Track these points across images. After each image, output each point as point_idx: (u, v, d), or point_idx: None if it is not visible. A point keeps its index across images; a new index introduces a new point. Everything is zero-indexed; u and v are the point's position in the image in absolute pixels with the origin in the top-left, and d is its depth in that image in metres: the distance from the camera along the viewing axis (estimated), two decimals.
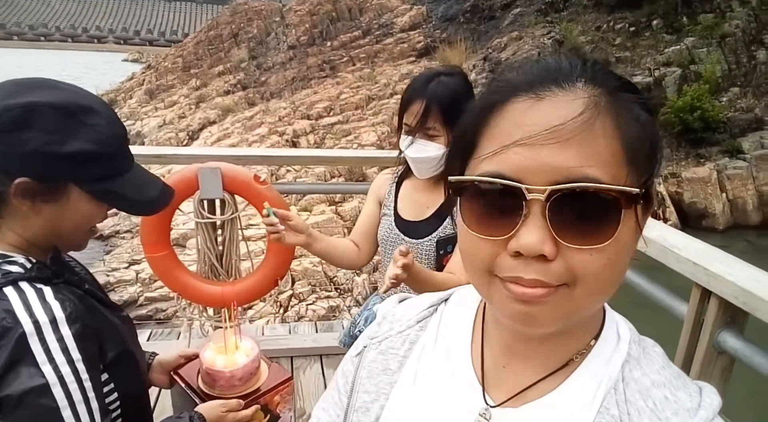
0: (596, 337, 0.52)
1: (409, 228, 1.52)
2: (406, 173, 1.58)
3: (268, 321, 4.13)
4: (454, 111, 1.34)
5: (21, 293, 0.77)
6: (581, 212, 0.42)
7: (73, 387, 0.77)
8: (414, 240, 1.50)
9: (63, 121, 0.79)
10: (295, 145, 10.07)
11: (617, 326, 0.54)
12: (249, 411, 1.07)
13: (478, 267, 0.46)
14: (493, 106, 0.46)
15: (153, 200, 0.90)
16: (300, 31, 14.65)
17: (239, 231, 2.62)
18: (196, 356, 1.19)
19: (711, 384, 1.48)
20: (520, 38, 11.11)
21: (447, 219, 1.46)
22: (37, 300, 0.77)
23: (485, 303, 0.57)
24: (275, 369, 1.18)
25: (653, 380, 0.50)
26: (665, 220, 11.83)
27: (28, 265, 0.83)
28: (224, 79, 14.44)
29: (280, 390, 1.15)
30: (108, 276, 7.66)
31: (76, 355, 0.78)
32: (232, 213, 2.52)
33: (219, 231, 2.59)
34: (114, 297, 7.81)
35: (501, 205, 0.44)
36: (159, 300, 7.51)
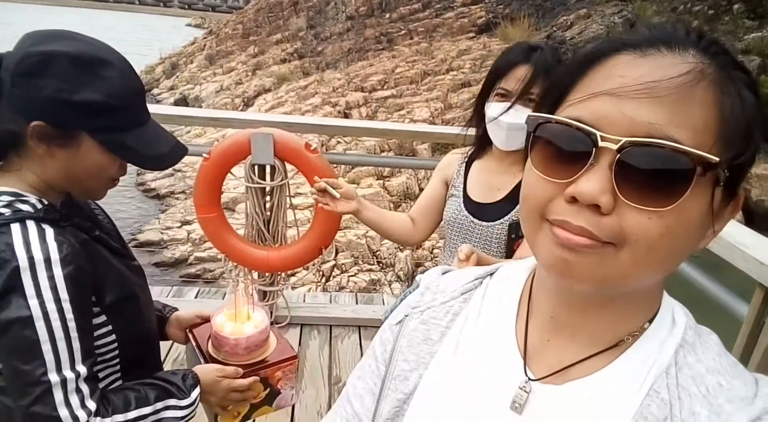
0: (650, 321, 0.50)
1: (480, 210, 1.48)
2: (477, 154, 1.53)
3: (309, 289, 4.20)
4: None
5: (24, 230, 0.82)
6: (651, 172, 0.40)
7: (56, 324, 0.81)
8: (484, 223, 1.46)
9: (77, 71, 0.82)
10: (347, 116, 10.07)
11: (673, 311, 0.51)
12: (245, 382, 1.07)
13: (532, 208, 0.45)
14: (594, 58, 0.45)
15: (162, 156, 0.92)
16: (359, 1, 14.50)
17: (287, 198, 2.65)
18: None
19: None
20: (588, 16, 10.60)
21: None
22: (37, 239, 0.82)
23: (533, 279, 0.55)
24: (282, 346, 1.17)
25: (708, 366, 0.48)
26: None
27: (39, 206, 0.87)
28: (281, 48, 14.54)
29: (282, 367, 1.14)
30: (162, 234, 8.00)
31: (63, 295, 0.82)
32: (282, 180, 2.55)
33: (268, 197, 2.63)
34: (166, 254, 8.13)
35: (571, 149, 0.43)
36: (207, 261, 7.80)
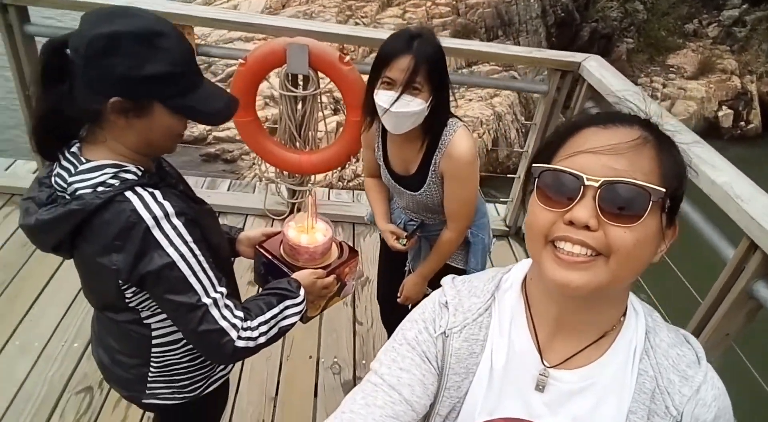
0: (623, 314, 0.70)
1: (404, 182, 1.63)
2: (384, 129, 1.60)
3: (331, 186, 4.40)
4: (438, 68, 1.41)
5: (139, 196, 0.97)
6: (620, 200, 0.58)
7: (192, 261, 1.00)
8: (409, 192, 1.63)
9: (140, 47, 0.91)
10: None
11: (632, 303, 0.71)
12: (330, 279, 1.31)
13: (539, 232, 0.62)
14: (573, 130, 0.65)
15: (219, 111, 1.03)
16: None
17: (319, 106, 2.76)
18: (276, 234, 1.40)
19: (735, 323, 1.65)
20: None
21: (430, 172, 1.55)
22: (152, 201, 0.97)
23: (526, 288, 0.74)
24: (345, 246, 1.41)
25: (667, 342, 0.69)
26: (747, 123, 11.11)
27: (139, 173, 1.01)
28: None
29: (349, 263, 1.38)
30: None
31: (188, 238, 1.00)
32: (315, 90, 2.64)
33: (300, 105, 2.74)
34: (185, 133, 8.27)
35: (565, 188, 0.60)
36: (225, 141, 7.96)
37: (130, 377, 1.21)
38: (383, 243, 1.83)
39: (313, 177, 3.16)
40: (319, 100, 2.73)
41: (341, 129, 2.80)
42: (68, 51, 0.92)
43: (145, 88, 0.94)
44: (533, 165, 0.65)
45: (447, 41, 2.63)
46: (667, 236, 0.63)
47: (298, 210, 3.14)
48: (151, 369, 1.19)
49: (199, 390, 1.27)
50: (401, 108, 1.41)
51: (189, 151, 7.43)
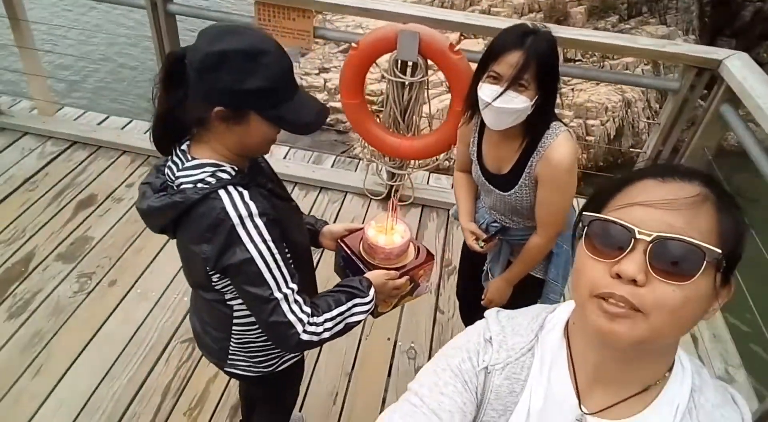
0: (670, 369, 0.67)
1: (495, 181, 1.59)
2: (483, 124, 1.55)
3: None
4: (548, 67, 1.37)
5: (229, 195, 1.06)
6: (673, 257, 0.56)
7: (269, 258, 1.09)
8: (500, 192, 1.58)
9: (244, 64, 1.00)
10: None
11: (680, 359, 0.69)
12: (402, 281, 1.35)
13: (584, 283, 0.61)
14: (629, 180, 0.63)
15: (310, 123, 1.10)
16: None
17: (426, 92, 2.75)
18: (357, 230, 1.46)
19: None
20: None
21: (524, 174, 1.50)
22: (240, 200, 1.06)
23: (568, 331, 0.72)
24: (422, 249, 1.43)
25: (712, 403, 0.66)
26: None
27: (233, 173, 1.11)
28: None
29: (425, 266, 1.41)
30: (301, 79, 8.42)
31: (267, 237, 1.08)
32: (422, 77, 2.63)
33: (407, 90, 2.74)
34: None
35: (615, 240, 0.59)
36: (341, 112, 8.24)
37: (215, 347, 1.35)
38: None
39: (414, 161, 3.18)
40: (426, 87, 2.72)
41: (445, 116, 2.77)
42: (186, 62, 1.03)
43: (244, 100, 1.03)
44: (583, 213, 0.63)
45: (563, 31, 2.47)
46: (721, 295, 0.61)
47: (396, 191, 3.19)
48: (232, 343, 1.31)
49: (272, 367, 1.39)
50: (504, 104, 1.38)
51: None
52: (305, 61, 8.96)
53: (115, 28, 10.77)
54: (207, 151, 1.11)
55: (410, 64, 2.61)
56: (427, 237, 3.06)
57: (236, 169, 1.12)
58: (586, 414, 0.68)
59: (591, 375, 0.68)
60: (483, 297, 1.82)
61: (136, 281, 2.60)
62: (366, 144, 3.02)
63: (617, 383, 0.67)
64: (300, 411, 2.11)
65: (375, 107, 6.09)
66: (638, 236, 0.57)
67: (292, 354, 1.43)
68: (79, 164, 3.32)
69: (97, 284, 2.56)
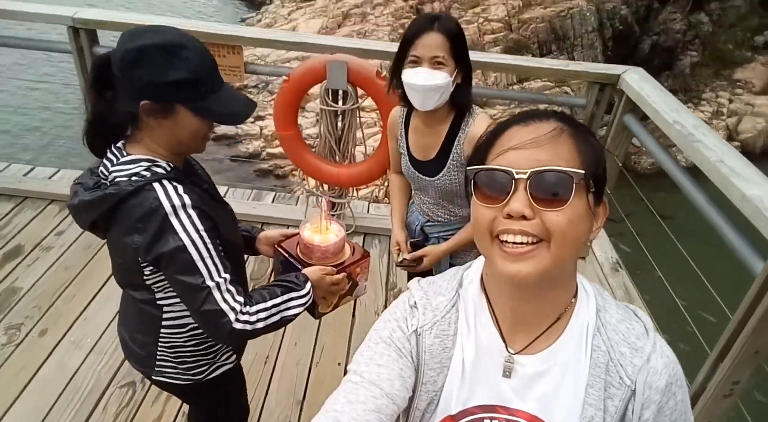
0: (575, 296, 0.75)
1: (423, 167, 1.68)
2: (411, 112, 1.68)
3: (371, 200, 4.49)
4: (460, 43, 1.50)
5: (163, 187, 1.09)
6: (548, 187, 0.63)
7: (201, 247, 1.10)
8: (428, 178, 1.68)
9: (163, 58, 1.05)
10: (418, 12, 9.70)
11: (583, 285, 0.76)
12: (340, 276, 1.38)
13: (483, 229, 0.67)
14: (499, 132, 0.71)
15: (238, 113, 1.14)
16: None
17: (358, 120, 2.86)
18: (293, 235, 1.49)
19: (765, 340, 1.57)
20: None
21: (452, 154, 1.60)
22: (173, 192, 1.09)
23: (484, 283, 0.78)
24: (357, 248, 1.48)
25: (616, 318, 0.74)
26: None
27: (168, 169, 1.14)
28: None
29: (361, 263, 1.45)
30: (237, 128, 8.46)
31: (200, 227, 1.10)
32: (353, 104, 2.74)
33: (339, 119, 2.84)
34: (240, 149, 8.63)
35: (499, 184, 0.65)
36: (279, 157, 8.27)
37: (142, 353, 1.32)
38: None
39: (353, 191, 3.24)
40: (357, 115, 2.83)
41: (378, 143, 2.88)
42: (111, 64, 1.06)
43: (168, 92, 1.07)
44: (468, 168, 0.71)
45: (476, 55, 2.67)
46: (597, 214, 0.70)
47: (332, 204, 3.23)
48: (159, 348, 1.29)
49: (203, 375, 1.36)
50: (426, 81, 1.48)
51: (244, 166, 7.78)
52: None
53: (36, 75, 10.46)
54: (142, 148, 1.13)
55: (341, 92, 2.72)
56: (371, 262, 3.09)
57: (172, 165, 1.15)
58: (513, 354, 0.74)
59: (510, 319, 0.74)
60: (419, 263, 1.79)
61: (69, 329, 2.46)
62: (305, 176, 3.06)
63: (534, 319, 0.73)
64: None
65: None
66: (516, 176, 0.64)
67: (224, 363, 1.41)
68: (5, 216, 3.17)
69: (27, 335, 2.41)
